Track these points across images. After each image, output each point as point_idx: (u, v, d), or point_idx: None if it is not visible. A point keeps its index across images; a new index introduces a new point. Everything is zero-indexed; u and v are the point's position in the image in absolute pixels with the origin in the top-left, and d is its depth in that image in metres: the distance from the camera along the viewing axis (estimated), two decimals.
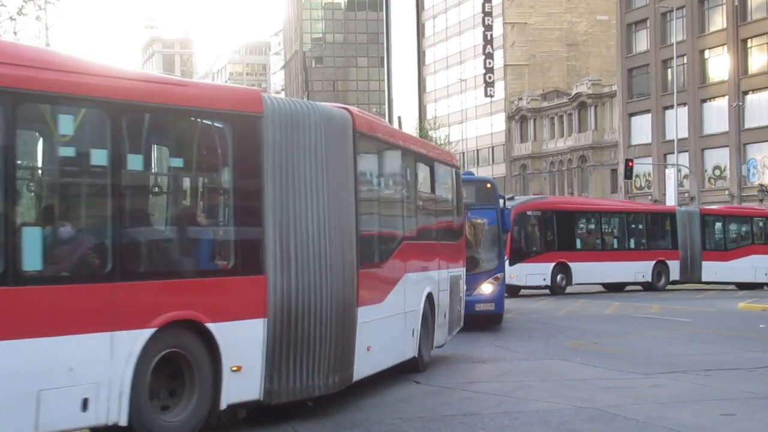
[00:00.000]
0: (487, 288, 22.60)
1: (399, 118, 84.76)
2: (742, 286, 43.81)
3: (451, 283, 16.84)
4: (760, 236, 45.28)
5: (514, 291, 36.15)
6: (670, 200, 63.36)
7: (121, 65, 10.66)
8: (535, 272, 37.44)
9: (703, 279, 43.94)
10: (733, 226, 45.70)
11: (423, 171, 15.93)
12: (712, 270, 43.30)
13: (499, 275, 22.92)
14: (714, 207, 50.73)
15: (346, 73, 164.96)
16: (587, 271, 38.99)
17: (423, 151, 16.06)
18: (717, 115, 68.77)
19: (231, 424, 10.96)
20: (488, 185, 23.87)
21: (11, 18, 32.46)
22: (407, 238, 14.42)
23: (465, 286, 18.40)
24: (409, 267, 14.45)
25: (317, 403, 11.94)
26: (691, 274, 43.62)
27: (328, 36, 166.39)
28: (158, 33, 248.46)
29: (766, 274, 44.26)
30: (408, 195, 14.85)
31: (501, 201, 23.66)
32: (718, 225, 45.08)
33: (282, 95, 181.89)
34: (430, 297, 15.50)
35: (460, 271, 17.77)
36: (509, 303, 27.97)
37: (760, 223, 45.53)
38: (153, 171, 10.32)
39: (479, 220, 22.03)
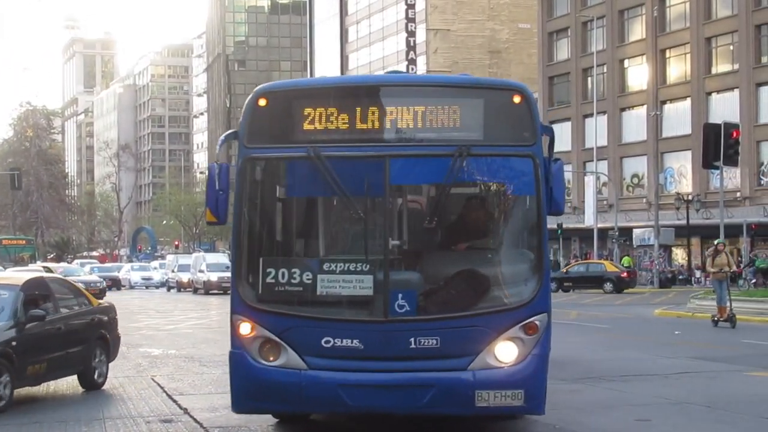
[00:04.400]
0: (504, 352, 10.13)
1: None
2: None
3: None
4: None
5: None
6: (589, 208, 63.96)
7: None
8: None
9: None
10: None
11: None
12: None
13: (536, 320, 10.20)
14: None
15: (269, 77, 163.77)
16: None
17: None
18: (636, 123, 69.61)
19: None
20: (516, 98, 10.20)
21: None
22: None
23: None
24: None
25: None
26: None
27: (251, 39, 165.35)
28: (79, 33, 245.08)
29: None
30: None
31: (546, 138, 10.46)
32: None
33: (204, 98, 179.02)
34: None
35: None
36: None
37: None
38: None
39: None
